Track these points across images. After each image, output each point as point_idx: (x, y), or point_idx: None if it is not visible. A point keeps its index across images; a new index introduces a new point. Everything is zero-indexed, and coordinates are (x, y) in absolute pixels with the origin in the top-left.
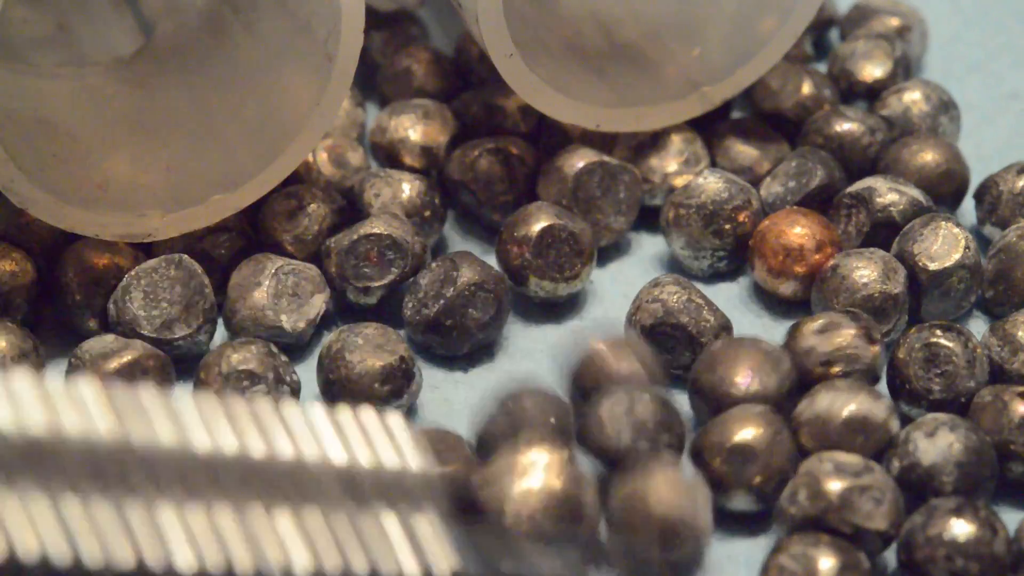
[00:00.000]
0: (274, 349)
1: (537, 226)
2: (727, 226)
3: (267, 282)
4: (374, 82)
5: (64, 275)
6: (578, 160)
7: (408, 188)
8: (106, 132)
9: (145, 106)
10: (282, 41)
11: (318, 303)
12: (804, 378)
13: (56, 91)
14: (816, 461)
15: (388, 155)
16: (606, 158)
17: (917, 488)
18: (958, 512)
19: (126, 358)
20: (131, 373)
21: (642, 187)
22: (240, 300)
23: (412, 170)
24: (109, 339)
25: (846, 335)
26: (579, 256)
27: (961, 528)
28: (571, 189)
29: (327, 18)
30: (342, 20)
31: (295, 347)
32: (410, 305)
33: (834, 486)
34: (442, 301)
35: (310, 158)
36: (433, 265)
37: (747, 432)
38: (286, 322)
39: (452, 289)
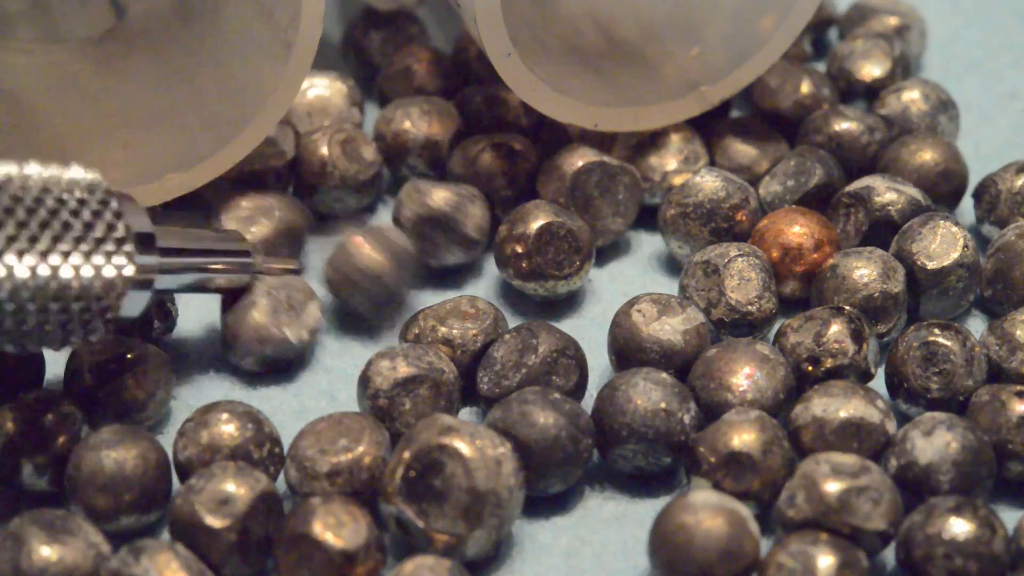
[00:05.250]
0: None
1: (535, 224)
2: (725, 225)
3: (262, 300)
4: (374, 81)
5: None
6: (577, 159)
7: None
8: (68, 107)
9: (110, 84)
10: (246, 28)
11: (314, 311)
12: (793, 375)
13: (24, 65)
14: (812, 463)
15: (393, 148)
16: (606, 158)
17: (914, 487)
18: (957, 511)
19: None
20: (131, 372)
21: (642, 188)
22: (239, 324)
23: (416, 168)
24: (108, 337)
25: (831, 331)
26: (577, 253)
27: (960, 527)
28: (569, 188)
29: (289, 6)
30: (302, 8)
31: (297, 358)
32: (486, 379)
33: (831, 488)
34: (524, 370)
35: (324, 152)
36: (507, 336)
37: (744, 438)
38: (290, 334)
39: (534, 357)
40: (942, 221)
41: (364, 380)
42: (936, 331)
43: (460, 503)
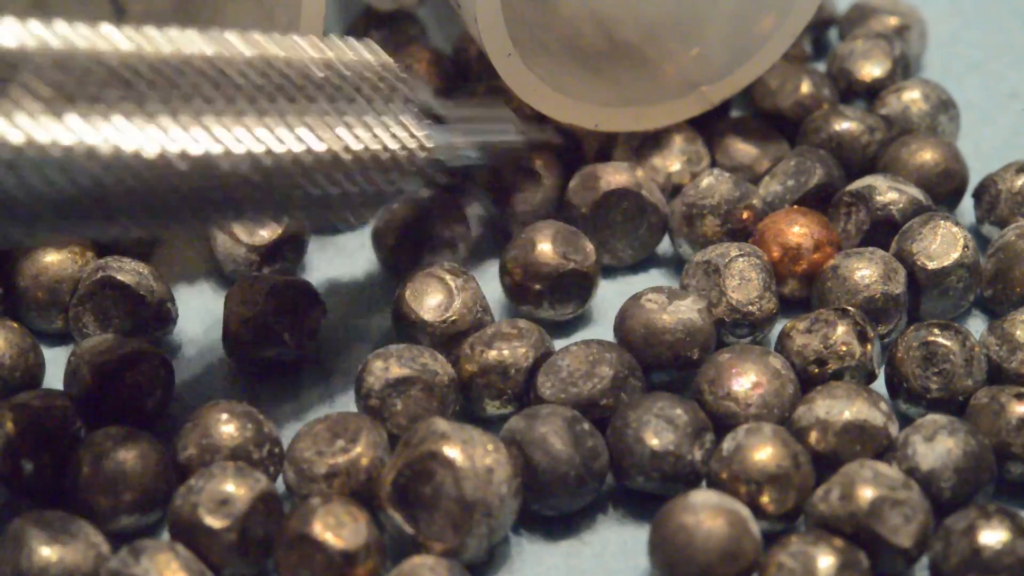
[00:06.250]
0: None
1: (544, 262)
2: (730, 225)
3: (264, 301)
4: None
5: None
6: (616, 178)
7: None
8: None
9: None
10: (246, 28)
11: (316, 315)
12: (798, 378)
13: None
14: (857, 466)
15: None
16: (644, 192)
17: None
18: (991, 520)
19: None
20: (130, 371)
21: (663, 233)
22: (240, 323)
23: None
24: (108, 337)
25: (838, 333)
26: (585, 290)
27: (994, 537)
28: (595, 202)
29: (288, 6)
30: (302, 8)
31: (296, 362)
32: (549, 384)
33: (868, 493)
34: (596, 380)
35: None
36: (573, 348)
37: (769, 458)
38: (289, 339)
39: (607, 369)
40: (942, 221)
41: (358, 380)
42: (936, 331)
43: (449, 512)
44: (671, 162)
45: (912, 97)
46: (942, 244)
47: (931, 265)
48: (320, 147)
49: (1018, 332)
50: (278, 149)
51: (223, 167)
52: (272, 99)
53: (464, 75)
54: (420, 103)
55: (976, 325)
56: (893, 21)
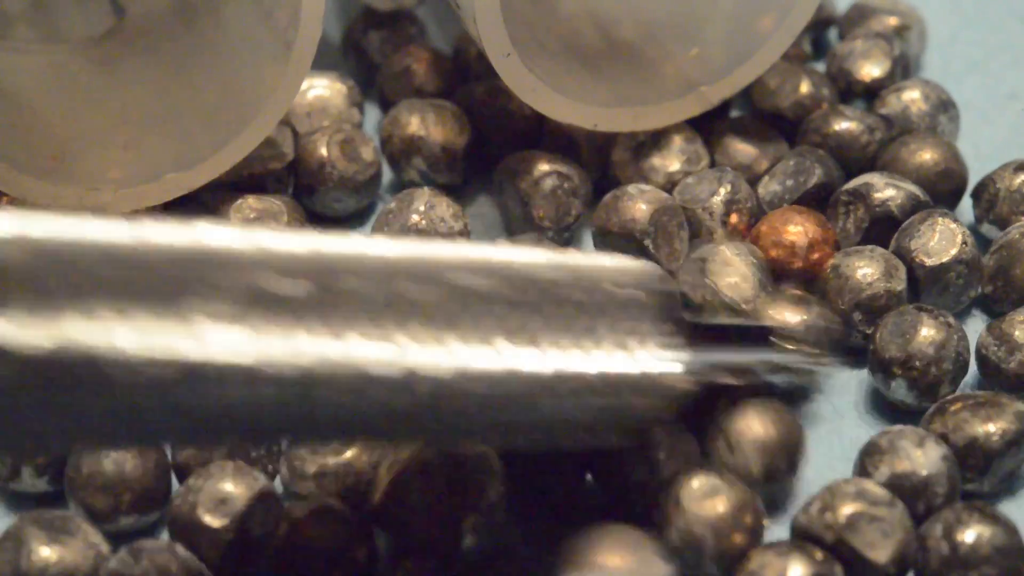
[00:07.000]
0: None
1: None
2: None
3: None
4: (373, 82)
5: None
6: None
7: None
8: (68, 107)
9: (109, 85)
10: (245, 29)
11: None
12: None
13: (24, 65)
14: (844, 482)
15: (401, 151)
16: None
17: (910, 497)
18: (972, 516)
19: None
20: None
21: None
22: None
23: (426, 172)
24: None
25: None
26: None
27: (977, 534)
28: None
29: (288, 7)
30: (302, 8)
31: None
32: None
33: (847, 508)
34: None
35: (323, 152)
36: None
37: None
38: None
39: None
40: (940, 218)
41: None
42: None
43: (446, 512)
44: (670, 162)
45: (912, 97)
46: (940, 240)
47: (929, 261)
48: (562, 367)
49: (1016, 332)
50: (521, 368)
51: (463, 389)
52: (513, 313)
53: (464, 75)
54: (670, 316)
55: (976, 324)
56: (893, 21)
